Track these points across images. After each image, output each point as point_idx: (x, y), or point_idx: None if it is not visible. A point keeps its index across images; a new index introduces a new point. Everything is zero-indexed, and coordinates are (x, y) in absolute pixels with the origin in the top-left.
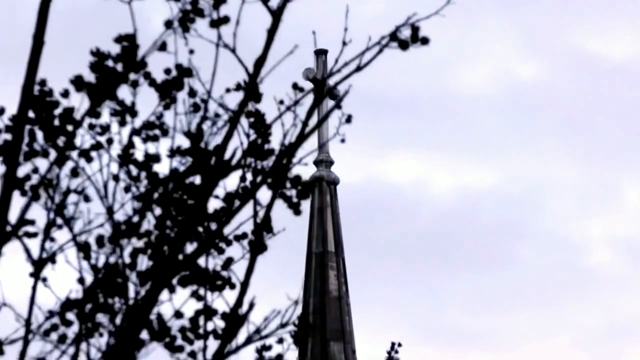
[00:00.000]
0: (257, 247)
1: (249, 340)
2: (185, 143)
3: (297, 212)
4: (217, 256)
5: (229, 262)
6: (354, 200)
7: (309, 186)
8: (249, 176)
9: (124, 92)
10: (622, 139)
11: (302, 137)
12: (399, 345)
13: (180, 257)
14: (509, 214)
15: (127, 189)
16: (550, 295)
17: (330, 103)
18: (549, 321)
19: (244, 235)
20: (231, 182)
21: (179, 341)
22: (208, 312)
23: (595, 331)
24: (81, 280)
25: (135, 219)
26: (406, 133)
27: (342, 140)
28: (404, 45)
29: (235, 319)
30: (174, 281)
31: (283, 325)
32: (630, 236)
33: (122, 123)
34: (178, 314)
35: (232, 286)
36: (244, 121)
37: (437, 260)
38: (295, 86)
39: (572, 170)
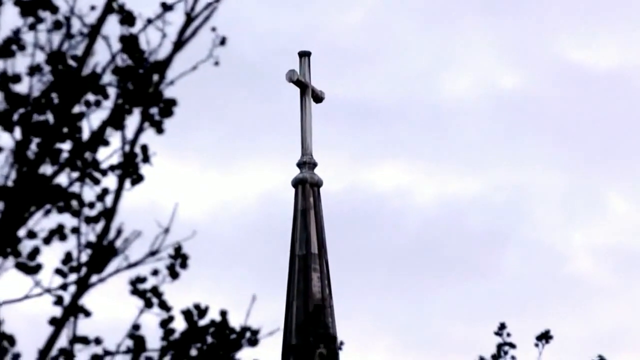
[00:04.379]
0: (128, 174)
1: (106, 262)
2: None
3: (160, 130)
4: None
5: (104, 193)
6: (338, 207)
7: (171, 103)
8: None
9: None
10: (606, 148)
11: (175, 51)
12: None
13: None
14: (493, 222)
15: None
16: (534, 303)
17: (312, 103)
18: (534, 330)
19: (119, 165)
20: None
21: (53, 274)
22: (61, 231)
23: (578, 340)
24: None
25: None
26: (390, 141)
27: (216, 63)
28: None
29: (101, 247)
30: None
31: (152, 254)
32: (614, 245)
33: None
34: (31, 234)
35: (107, 216)
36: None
37: (421, 269)
38: (164, 5)
39: (556, 179)
